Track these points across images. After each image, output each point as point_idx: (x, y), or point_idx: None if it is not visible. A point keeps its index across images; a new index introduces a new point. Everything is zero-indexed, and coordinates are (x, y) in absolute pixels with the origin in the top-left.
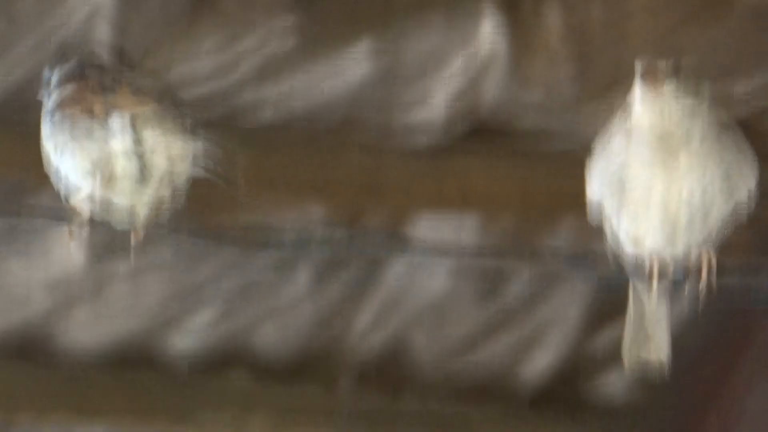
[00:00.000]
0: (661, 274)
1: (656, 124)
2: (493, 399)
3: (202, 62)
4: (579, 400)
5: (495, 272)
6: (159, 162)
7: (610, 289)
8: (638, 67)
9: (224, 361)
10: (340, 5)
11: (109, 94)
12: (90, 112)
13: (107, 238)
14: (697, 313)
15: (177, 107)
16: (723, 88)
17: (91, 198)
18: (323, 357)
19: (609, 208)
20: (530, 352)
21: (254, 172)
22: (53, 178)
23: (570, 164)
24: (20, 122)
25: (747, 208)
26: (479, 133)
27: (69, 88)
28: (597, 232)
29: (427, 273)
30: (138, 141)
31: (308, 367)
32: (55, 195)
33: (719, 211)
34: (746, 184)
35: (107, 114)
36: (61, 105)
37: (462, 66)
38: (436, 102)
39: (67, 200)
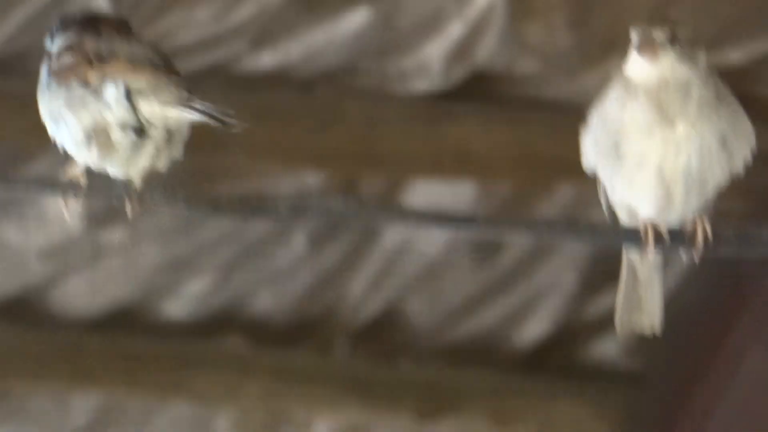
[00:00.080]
0: (656, 242)
1: (652, 92)
2: (488, 364)
3: (198, 31)
4: (574, 366)
5: (490, 239)
6: (154, 132)
7: (605, 256)
8: (633, 34)
9: (220, 327)
10: None
11: (105, 64)
12: (85, 82)
13: (103, 207)
14: (691, 279)
15: (173, 77)
16: (718, 56)
17: (86, 167)
18: (319, 322)
19: (604, 175)
20: (525, 318)
21: (250, 140)
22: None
23: (566, 131)
24: (18, 92)
25: (743, 176)
26: (475, 98)
27: (66, 57)
28: (592, 198)
29: (423, 238)
30: (133, 111)
31: (304, 332)
32: (51, 164)
33: (716, 178)
34: (743, 152)
35: (102, 83)
36: (57, 74)
37: (459, 28)
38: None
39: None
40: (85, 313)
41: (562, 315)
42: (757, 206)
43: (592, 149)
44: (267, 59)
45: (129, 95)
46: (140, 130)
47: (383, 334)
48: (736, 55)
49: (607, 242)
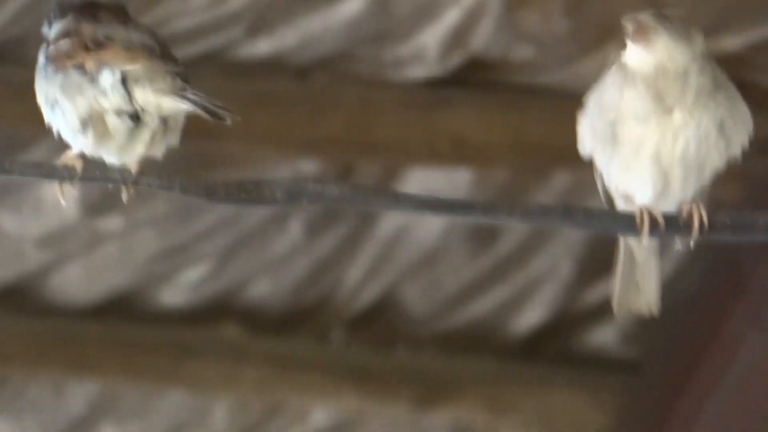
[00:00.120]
0: (651, 228)
1: (650, 80)
2: (484, 352)
3: (194, 18)
4: (571, 353)
5: (487, 226)
6: (149, 119)
7: (602, 243)
8: (627, 20)
9: (216, 315)
10: None
11: (101, 50)
12: (82, 67)
13: (99, 194)
14: (688, 265)
15: (170, 65)
16: (716, 43)
17: (82, 155)
18: (315, 310)
19: (600, 161)
20: (522, 305)
21: (246, 126)
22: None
23: (562, 117)
24: (15, 79)
25: (739, 162)
26: (471, 85)
27: (63, 43)
28: (589, 185)
29: (420, 226)
30: (128, 98)
31: (300, 320)
32: (47, 151)
33: (713, 165)
34: (741, 138)
35: (98, 70)
36: (54, 59)
37: (455, 15)
38: (430, 52)
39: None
40: (82, 301)
41: (559, 302)
42: (753, 192)
43: (589, 135)
44: (263, 46)
45: (125, 82)
46: (136, 117)
47: (379, 322)
48: (733, 42)
49: (603, 228)
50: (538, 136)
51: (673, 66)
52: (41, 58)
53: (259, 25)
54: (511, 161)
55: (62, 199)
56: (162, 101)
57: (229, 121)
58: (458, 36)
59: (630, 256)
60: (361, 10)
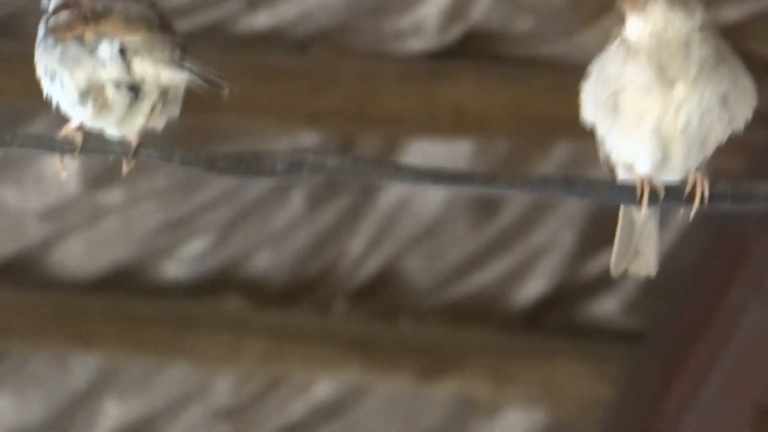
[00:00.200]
0: (652, 198)
1: (653, 53)
2: (487, 323)
3: None
4: (573, 324)
5: (489, 197)
6: (149, 91)
7: (603, 214)
8: None
9: (219, 287)
10: None
11: (100, 21)
12: (81, 39)
13: (100, 168)
14: (690, 235)
15: (168, 36)
16: (715, 13)
17: (82, 127)
18: (318, 282)
19: (602, 132)
20: (524, 276)
21: (246, 99)
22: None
23: (562, 89)
24: (15, 52)
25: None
26: (471, 57)
27: (62, 14)
28: (590, 155)
29: (421, 197)
30: (127, 70)
31: (303, 292)
32: (48, 124)
33: (716, 138)
34: (744, 112)
35: (97, 42)
36: (53, 31)
37: None
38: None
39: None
40: (84, 274)
41: (561, 273)
42: (753, 162)
43: (591, 104)
44: (262, 19)
45: (123, 53)
46: (135, 89)
47: (382, 294)
48: (732, 12)
49: (604, 198)
50: (538, 107)
51: (674, 36)
52: (41, 31)
53: None
54: (512, 132)
55: (63, 171)
56: (160, 72)
57: (226, 92)
58: (458, 8)
59: (629, 219)
60: None
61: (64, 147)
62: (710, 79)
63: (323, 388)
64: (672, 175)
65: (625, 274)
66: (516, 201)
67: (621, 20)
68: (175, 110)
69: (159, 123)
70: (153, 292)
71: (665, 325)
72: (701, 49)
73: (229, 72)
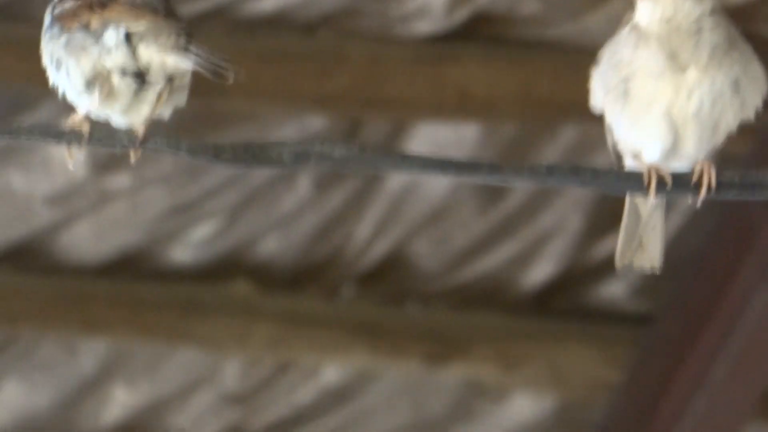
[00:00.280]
0: (658, 187)
1: (664, 38)
2: (495, 307)
3: None
4: (581, 308)
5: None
6: (155, 79)
7: (611, 198)
8: None
9: (226, 272)
10: None
11: (105, 9)
12: (86, 27)
13: (107, 153)
14: (698, 220)
15: (174, 22)
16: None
17: (88, 117)
18: (325, 266)
19: (610, 116)
20: (532, 260)
21: (253, 82)
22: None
23: (569, 71)
24: (22, 37)
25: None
26: (478, 40)
27: (68, 3)
28: (597, 139)
29: (429, 181)
30: (132, 56)
31: (310, 277)
32: (55, 110)
33: (728, 125)
34: (755, 99)
35: (103, 29)
36: (59, 18)
37: None
38: (436, 6)
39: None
40: (92, 259)
41: (569, 256)
42: (761, 146)
43: (601, 88)
44: (269, 2)
45: (129, 40)
46: (141, 77)
47: (390, 278)
48: None
49: (611, 187)
50: (545, 90)
51: (685, 22)
52: (47, 18)
53: None
54: (519, 115)
55: (70, 162)
56: (166, 59)
57: (231, 80)
58: None
59: (635, 210)
60: None
61: (71, 138)
62: (722, 65)
63: (331, 372)
64: (680, 163)
65: (630, 266)
66: (522, 185)
67: (630, 3)
68: (181, 99)
69: (165, 111)
70: (160, 276)
71: (673, 308)
72: (712, 35)
73: (235, 55)
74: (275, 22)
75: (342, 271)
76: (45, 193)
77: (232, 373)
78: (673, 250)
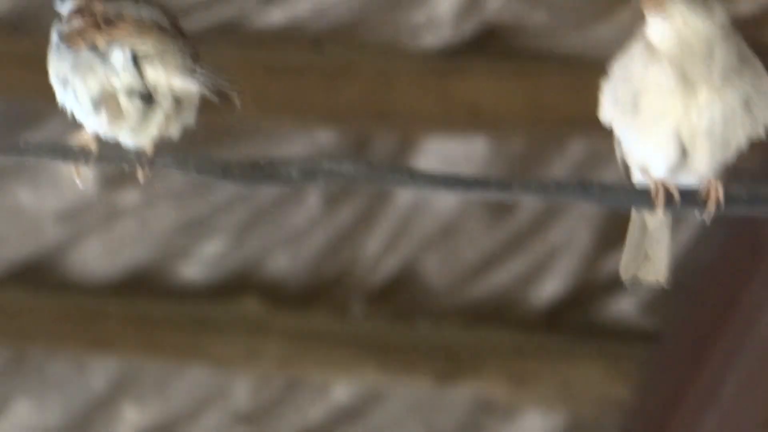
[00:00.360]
0: (666, 202)
1: (675, 57)
2: (504, 324)
3: None
4: (591, 324)
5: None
6: (162, 100)
7: (620, 213)
8: None
9: (235, 289)
10: None
11: (112, 27)
12: (93, 46)
13: (116, 169)
14: (706, 236)
15: (180, 42)
16: (729, 7)
17: (96, 135)
18: (335, 282)
19: (620, 130)
20: (541, 277)
21: (261, 96)
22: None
23: (578, 84)
24: (30, 51)
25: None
26: (486, 53)
27: (75, 20)
28: (606, 153)
29: (438, 197)
30: (139, 77)
31: (320, 293)
32: (63, 125)
33: (738, 143)
34: (766, 116)
35: (110, 48)
36: (66, 38)
37: None
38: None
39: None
40: (101, 276)
41: (578, 273)
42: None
43: (611, 102)
44: (277, 15)
45: (136, 60)
46: (148, 97)
47: (399, 295)
48: (747, 4)
49: (619, 203)
50: (555, 102)
51: (696, 40)
52: (54, 36)
53: None
54: (528, 128)
55: (78, 180)
56: (173, 81)
57: (237, 103)
58: (472, 3)
59: (641, 224)
60: None
61: (79, 156)
62: (733, 84)
63: (341, 390)
64: (689, 179)
65: (635, 280)
66: (532, 200)
67: (640, 16)
68: (189, 118)
69: (174, 131)
70: (170, 294)
71: (683, 324)
72: (725, 53)
73: (243, 69)
74: (283, 36)
75: (351, 289)
76: (54, 210)
77: (242, 391)
78: (681, 265)
